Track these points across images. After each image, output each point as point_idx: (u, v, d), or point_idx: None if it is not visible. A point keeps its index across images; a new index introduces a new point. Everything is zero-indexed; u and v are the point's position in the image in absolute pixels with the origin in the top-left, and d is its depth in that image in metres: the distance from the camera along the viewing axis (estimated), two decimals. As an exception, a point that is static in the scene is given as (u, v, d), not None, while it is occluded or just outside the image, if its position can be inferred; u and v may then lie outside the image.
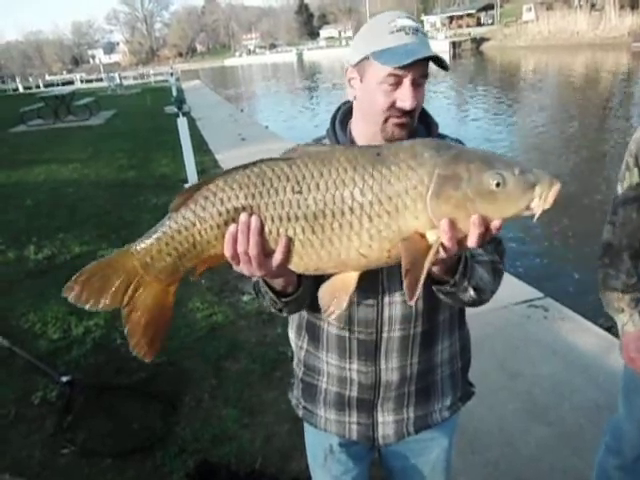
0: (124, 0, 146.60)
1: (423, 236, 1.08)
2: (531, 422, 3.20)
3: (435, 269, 1.25)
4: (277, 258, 1.13)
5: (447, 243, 1.06)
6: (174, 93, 22.08)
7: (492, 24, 71.63)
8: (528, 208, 1.06)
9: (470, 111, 19.87)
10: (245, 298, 4.84)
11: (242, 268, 1.17)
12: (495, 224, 1.06)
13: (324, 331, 1.60)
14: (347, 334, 1.55)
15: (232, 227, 1.12)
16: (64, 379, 3.60)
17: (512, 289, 4.70)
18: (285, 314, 1.54)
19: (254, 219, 1.10)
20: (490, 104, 20.97)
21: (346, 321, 1.54)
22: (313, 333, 1.63)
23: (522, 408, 3.32)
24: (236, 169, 1.13)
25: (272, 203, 1.09)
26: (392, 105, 1.38)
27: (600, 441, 2.40)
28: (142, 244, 1.17)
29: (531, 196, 1.05)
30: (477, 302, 1.42)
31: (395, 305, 1.50)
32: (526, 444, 3.03)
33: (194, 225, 1.13)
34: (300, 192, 1.08)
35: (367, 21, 1.49)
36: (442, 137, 1.54)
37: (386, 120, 1.41)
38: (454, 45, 57.66)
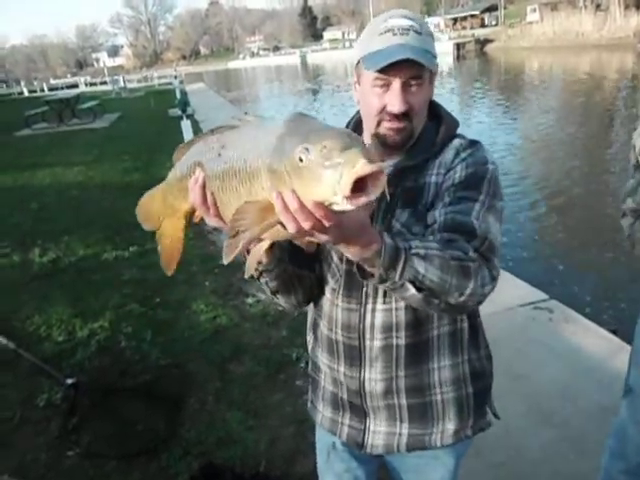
0: (128, 3, 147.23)
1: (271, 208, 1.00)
2: (536, 425, 3.18)
3: (348, 254, 1.13)
4: (211, 209, 1.19)
5: (280, 216, 0.94)
6: (178, 96, 22.13)
7: (496, 25, 71.47)
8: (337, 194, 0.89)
9: (474, 112, 19.81)
10: (249, 300, 4.84)
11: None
12: (310, 206, 0.91)
13: (320, 330, 1.62)
14: (334, 336, 1.55)
15: (190, 179, 1.22)
16: (69, 381, 3.61)
17: (517, 291, 4.68)
18: (273, 292, 1.52)
19: (200, 174, 1.18)
20: (494, 105, 20.92)
21: (332, 322, 1.54)
22: (315, 331, 1.66)
23: (527, 411, 3.30)
24: (212, 131, 1.23)
25: (208, 162, 1.18)
26: (383, 108, 1.37)
27: (605, 444, 2.39)
28: (163, 185, 1.39)
29: (333, 178, 0.87)
30: (436, 303, 1.24)
31: (376, 312, 1.47)
32: (531, 447, 3.02)
33: (178, 173, 1.31)
34: (220, 155, 1.15)
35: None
36: (457, 137, 1.50)
37: (379, 124, 1.40)
38: (458, 46, 57.48)
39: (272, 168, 0.97)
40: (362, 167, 0.84)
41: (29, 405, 3.58)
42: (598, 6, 50.79)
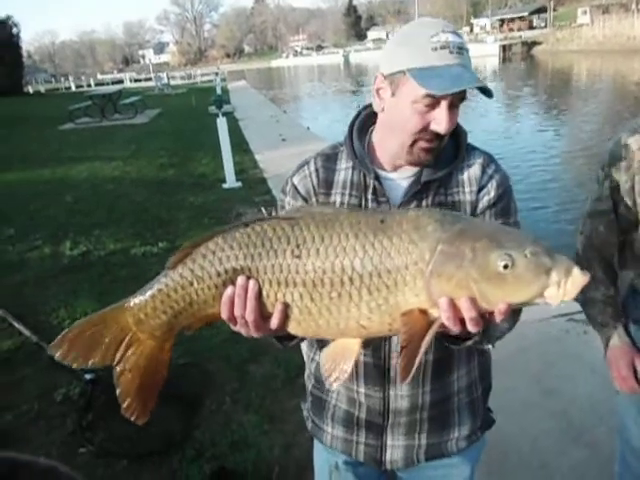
0: (175, 1, 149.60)
1: (425, 312, 1.00)
2: (566, 444, 3.02)
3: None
4: (274, 323, 1.07)
5: (447, 322, 0.98)
6: (219, 92, 22.29)
7: (545, 27, 70.27)
8: (542, 296, 0.95)
9: (518, 117, 19.50)
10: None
11: (239, 329, 1.12)
12: (500, 308, 0.96)
13: None
14: None
15: (229, 290, 1.07)
16: (87, 377, 3.56)
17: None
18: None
19: (252, 283, 1.05)
20: (539, 110, 20.51)
21: None
22: (324, 346, 1.53)
23: (557, 428, 3.14)
24: (237, 227, 1.07)
25: (271, 266, 1.04)
26: (425, 127, 1.28)
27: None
28: (136, 300, 1.13)
29: (545, 283, 0.94)
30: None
31: None
32: (560, 467, 2.87)
33: (191, 284, 1.09)
34: (299, 257, 1.02)
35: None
36: (472, 148, 1.44)
37: (414, 143, 1.31)
38: (504, 49, 56.73)
39: (445, 275, 0.96)
40: (580, 272, 0.93)
41: (46, 399, 3.56)
42: (651, 10, 49.50)
